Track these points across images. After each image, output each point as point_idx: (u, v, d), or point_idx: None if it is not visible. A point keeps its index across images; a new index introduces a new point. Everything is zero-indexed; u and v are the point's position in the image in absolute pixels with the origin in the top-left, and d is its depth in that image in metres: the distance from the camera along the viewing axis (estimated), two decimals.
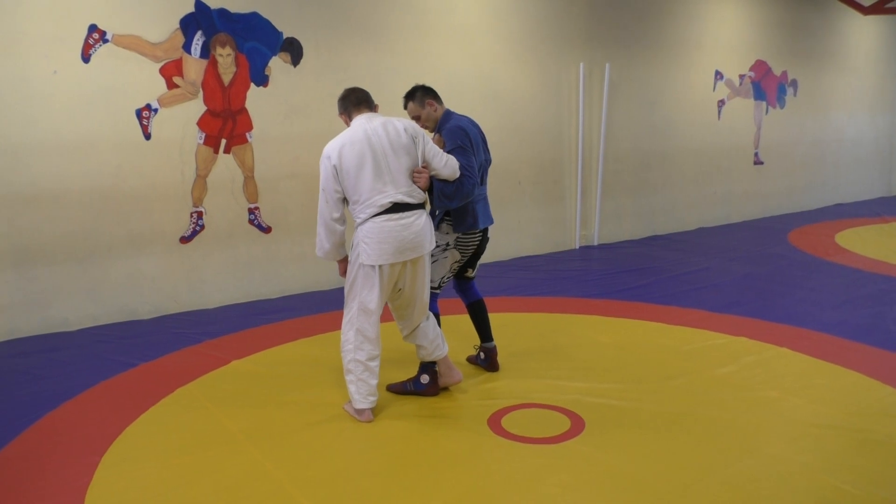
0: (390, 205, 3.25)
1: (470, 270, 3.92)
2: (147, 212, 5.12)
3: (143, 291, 5.18)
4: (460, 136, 3.55)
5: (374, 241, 3.24)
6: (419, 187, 3.36)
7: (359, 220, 3.29)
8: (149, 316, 5.18)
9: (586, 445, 3.08)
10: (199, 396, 3.66)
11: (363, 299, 3.31)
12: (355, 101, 3.39)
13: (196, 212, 5.32)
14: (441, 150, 3.44)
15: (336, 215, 3.31)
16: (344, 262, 3.44)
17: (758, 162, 9.80)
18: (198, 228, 5.35)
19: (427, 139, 3.41)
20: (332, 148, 3.27)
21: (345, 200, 3.32)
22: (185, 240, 5.30)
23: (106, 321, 5.03)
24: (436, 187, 3.44)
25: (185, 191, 5.26)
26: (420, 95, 3.67)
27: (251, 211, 5.58)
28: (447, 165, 3.40)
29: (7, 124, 4.54)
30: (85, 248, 4.91)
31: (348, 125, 3.38)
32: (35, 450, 3.09)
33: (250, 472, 2.86)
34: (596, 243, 7.88)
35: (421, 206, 3.37)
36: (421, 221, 3.32)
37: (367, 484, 2.78)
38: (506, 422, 3.31)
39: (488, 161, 3.82)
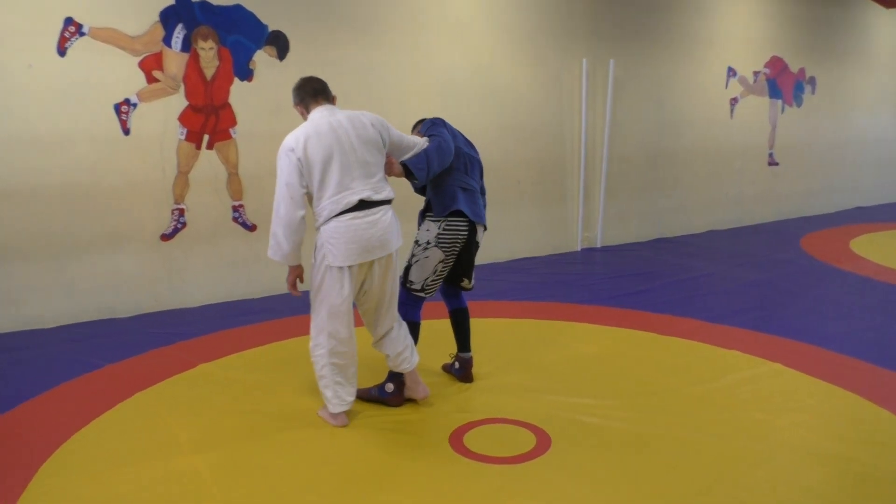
0: (357, 202, 3.07)
1: (466, 281, 3.74)
2: (126, 209, 5.01)
3: (121, 290, 5.08)
4: (436, 119, 3.61)
5: (340, 241, 3.06)
6: (393, 174, 3.30)
7: (321, 219, 3.11)
8: (127, 314, 5.08)
9: (548, 467, 2.89)
10: (156, 402, 3.53)
11: (333, 302, 3.14)
12: (312, 92, 3.21)
13: (177, 209, 5.21)
14: (408, 135, 3.42)
15: (301, 213, 3.07)
16: (296, 270, 3.25)
17: (772, 163, 9.48)
18: (179, 226, 5.23)
19: (392, 129, 3.30)
20: (294, 140, 3.06)
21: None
22: (166, 237, 5.19)
23: (83, 319, 4.94)
24: (409, 165, 3.33)
25: (166, 188, 5.14)
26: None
27: (235, 209, 5.45)
28: (415, 144, 3.38)
29: None
30: (62, 245, 4.82)
31: (305, 118, 3.21)
32: None
33: (186, 487, 2.72)
34: (599, 245, 7.65)
35: (387, 202, 3.20)
36: (387, 218, 3.17)
37: (302, 503, 2.62)
38: (468, 438, 3.13)
39: (473, 157, 3.67)
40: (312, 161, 3.03)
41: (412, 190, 3.66)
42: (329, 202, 3.07)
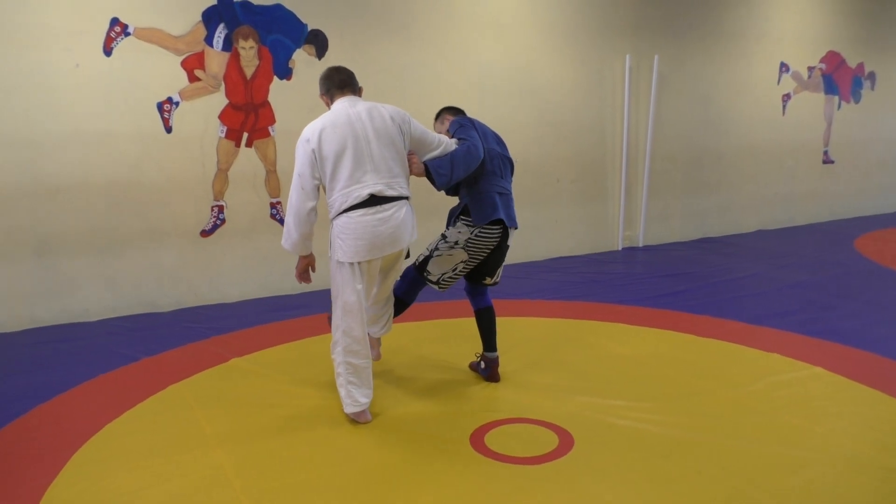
0: (368, 196, 3.06)
1: (488, 278, 3.70)
2: (167, 205, 5.13)
3: (163, 284, 5.20)
4: (465, 120, 3.54)
5: (349, 237, 3.08)
6: (413, 173, 3.26)
7: (333, 211, 3.12)
8: (168, 309, 5.20)
9: (568, 468, 2.83)
10: (187, 395, 3.60)
11: (347, 299, 3.16)
12: (339, 84, 3.21)
13: (217, 205, 5.31)
14: (431, 131, 3.35)
15: (311, 204, 3.09)
16: (306, 259, 3.28)
17: (827, 160, 9.14)
18: (218, 222, 5.33)
19: (415, 123, 3.26)
20: (311, 131, 3.07)
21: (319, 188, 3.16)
22: (205, 233, 5.30)
23: (126, 312, 5.08)
24: (431, 167, 3.29)
25: (206, 184, 5.24)
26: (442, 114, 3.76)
27: (273, 205, 5.53)
28: (440, 143, 3.30)
29: (29, 117, 4.60)
30: (105, 240, 4.96)
31: (329, 108, 3.22)
32: (9, 445, 3.08)
33: (209, 480, 2.76)
34: (641, 245, 7.50)
35: (402, 198, 3.18)
36: (400, 214, 3.15)
37: (320, 500, 2.62)
38: (489, 438, 3.10)
39: (506, 157, 3.63)
40: (326, 153, 3.04)
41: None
42: (340, 194, 3.07)
